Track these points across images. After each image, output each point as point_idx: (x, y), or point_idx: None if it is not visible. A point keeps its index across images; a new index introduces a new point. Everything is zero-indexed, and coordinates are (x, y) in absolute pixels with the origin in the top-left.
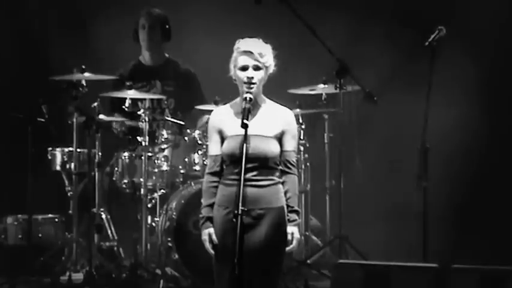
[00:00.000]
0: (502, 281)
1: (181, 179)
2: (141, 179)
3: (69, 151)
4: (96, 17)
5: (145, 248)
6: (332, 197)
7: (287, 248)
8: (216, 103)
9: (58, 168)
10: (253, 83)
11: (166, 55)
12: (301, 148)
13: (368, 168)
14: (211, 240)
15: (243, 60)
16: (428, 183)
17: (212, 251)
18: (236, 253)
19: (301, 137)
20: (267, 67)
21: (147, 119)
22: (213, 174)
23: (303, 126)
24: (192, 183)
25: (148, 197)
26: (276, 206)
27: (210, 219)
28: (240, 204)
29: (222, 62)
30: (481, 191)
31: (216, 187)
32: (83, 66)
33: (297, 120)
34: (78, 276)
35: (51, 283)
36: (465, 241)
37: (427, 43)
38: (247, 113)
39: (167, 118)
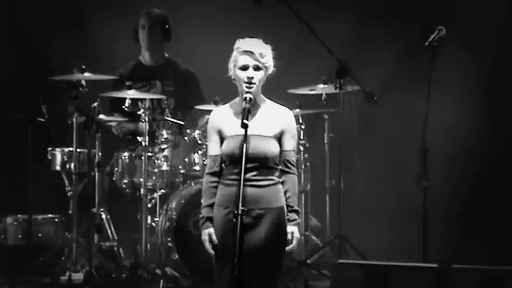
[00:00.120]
0: (502, 281)
1: (181, 179)
2: (141, 179)
3: (69, 151)
4: (96, 17)
5: (145, 248)
6: (332, 197)
7: (287, 248)
8: (216, 103)
9: (58, 168)
10: (253, 83)
11: (166, 55)
12: (301, 148)
13: (368, 168)
14: (211, 241)
15: (243, 60)
16: (428, 183)
17: (212, 251)
18: (236, 253)
19: (301, 137)
20: (266, 67)
21: (147, 119)
22: (212, 174)
23: (303, 126)
24: (192, 183)
25: (148, 197)
26: (275, 206)
27: (210, 219)
28: (240, 204)
29: (221, 61)
30: (482, 191)
31: (216, 187)
32: (83, 66)
33: (297, 120)
34: (78, 276)
35: (51, 283)
36: (465, 241)
37: (427, 43)
38: (247, 113)
39: (167, 118)
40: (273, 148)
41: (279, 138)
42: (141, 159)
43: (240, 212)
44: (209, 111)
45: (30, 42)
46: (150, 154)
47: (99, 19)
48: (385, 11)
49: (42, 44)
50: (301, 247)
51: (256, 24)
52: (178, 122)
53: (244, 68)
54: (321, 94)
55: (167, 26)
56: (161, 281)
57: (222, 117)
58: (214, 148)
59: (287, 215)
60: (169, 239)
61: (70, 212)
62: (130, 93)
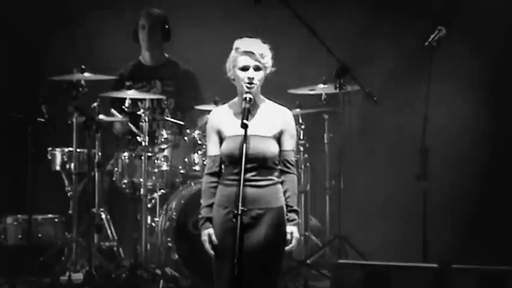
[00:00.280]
0: (502, 281)
1: (181, 179)
2: (141, 179)
3: (69, 151)
4: (96, 16)
5: (145, 248)
6: (332, 197)
7: (286, 248)
8: (216, 103)
9: (58, 168)
10: (254, 83)
11: (166, 55)
12: (301, 148)
13: (368, 168)
14: (210, 241)
15: (244, 61)
16: (428, 183)
17: (212, 252)
18: (236, 253)
19: (301, 137)
20: (266, 67)
21: (147, 119)
22: (212, 174)
23: (303, 127)
24: (192, 183)
25: (148, 197)
26: (275, 206)
27: (209, 219)
28: (240, 204)
29: (221, 62)
30: (482, 191)
31: (215, 187)
32: (83, 66)
33: (297, 120)
34: (78, 276)
35: (51, 283)
36: (465, 241)
37: (426, 43)
38: (247, 113)
39: (167, 118)
40: (272, 148)
41: (278, 138)
42: (141, 159)
43: (239, 212)
44: (209, 111)
45: (30, 42)
46: (150, 154)
47: (99, 19)
48: (387, 11)
49: (42, 44)
50: (301, 247)
51: (257, 24)
52: (178, 122)
53: (245, 68)
54: (321, 94)
55: (167, 26)
56: (161, 281)
57: (221, 118)
58: (213, 148)
59: (286, 215)
60: (169, 239)
61: (70, 212)
62: (130, 93)
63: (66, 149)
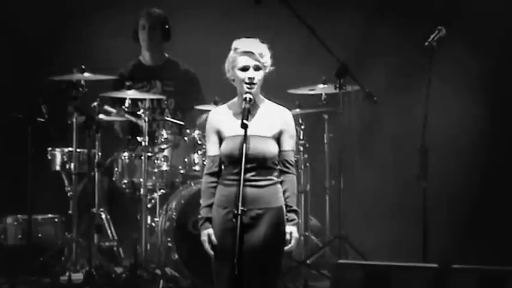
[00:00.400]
0: (502, 281)
1: (181, 179)
2: (141, 179)
3: (69, 151)
4: (96, 16)
5: (145, 248)
6: (332, 197)
7: (285, 248)
8: (216, 103)
9: (58, 168)
10: (254, 83)
11: (166, 55)
12: (301, 148)
13: (368, 168)
14: (210, 241)
15: (244, 61)
16: (428, 183)
17: (211, 252)
18: (236, 253)
19: (301, 137)
20: (265, 67)
21: (147, 119)
22: (211, 174)
23: (303, 127)
24: (192, 184)
25: (148, 197)
26: (274, 206)
27: (209, 219)
28: (240, 204)
29: (221, 62)
30: (482, 191)
31: (215, 187)
32: (83, 66)
33: (297, 120)
34: (78, 276)
35: (51, 283)
36: (465, 241)
37: (426, 43)
38: (247, 113)
39: (167, 118)
40: (271, 148)
41: (278, 138)
42: (141, 159)
43: (239, 212)
44: (208, 111)
45: (30, 42)
46: (150, 154)
47: (99, 19)
48: (389, 10)
49: (42, 44)
50: (300, 247)
51: (257, 24)
52: (178, 122)
53: (245, 68)
54: (321, 94)
55: (167, 26)
56: (161, 281)
57: (220, 118)
58: (213, 148)
59: (286, 215)
60: (169, 239)
61: (70, 212)
62: (130, 94)
63: (66, 149)
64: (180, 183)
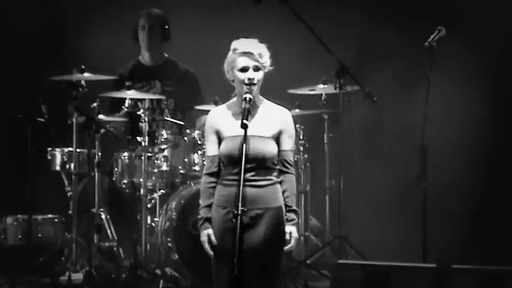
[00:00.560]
0: (502, 281)
1: (180, 179)
2: (141, 179)
3: (69, 151)
4: (96, 16)
5: (145, 248)
6: (332, 197)
7: (285, 248)
8: (216, 103)
9: (58, 168)
10: (254, 84)
11: (166, 55)
12: (301, 148)
13: (368, 168)
14: (210, 241)
15: (243, 62)
16: (428, 183)
17: (211, 252)
18: (236, 253)
19: (301, 137)
20: (265, 67)
21: (146, 119)
22: (210, 174)
23: (303, 127)
24: (192, 184)
25: (148, 197)
26: (274, 206)
27: (208, 220)
28: (240, 204)
29: (221, 62)
30: (482, 191)
31: (214, 188)
32: (83, 66)
33: (297, 120)
34: (78, 276)
35: (51, 283)
36: (465, 241)
37: (426, 43)
38: (247, 113)
39: (167, 118)
40: (271, 148)
41: (277, 138)
42: (140, 159)
43: (239, 212)
44: (208, 112)
45: (30, 42)
46: (149, 154)
47: (99, 19)
48: (389, 10)
49: (42, 44)
50: (300, 247)
51: (257, 24)
52: (177, 122)
53: (244, 69)
54: (321, 94)
55: (167, 26)
56: (161, 281)
57: (220, 118)
58: (212, 148)
59: (285, 215)
60: (169, 239)
61: (70, 212)
62: (130, 94)
63: (66, 149)
64: (180, 184)
